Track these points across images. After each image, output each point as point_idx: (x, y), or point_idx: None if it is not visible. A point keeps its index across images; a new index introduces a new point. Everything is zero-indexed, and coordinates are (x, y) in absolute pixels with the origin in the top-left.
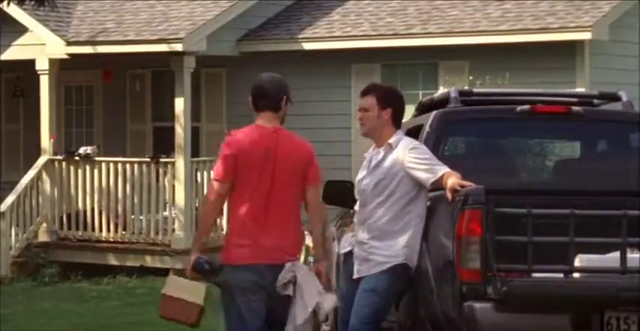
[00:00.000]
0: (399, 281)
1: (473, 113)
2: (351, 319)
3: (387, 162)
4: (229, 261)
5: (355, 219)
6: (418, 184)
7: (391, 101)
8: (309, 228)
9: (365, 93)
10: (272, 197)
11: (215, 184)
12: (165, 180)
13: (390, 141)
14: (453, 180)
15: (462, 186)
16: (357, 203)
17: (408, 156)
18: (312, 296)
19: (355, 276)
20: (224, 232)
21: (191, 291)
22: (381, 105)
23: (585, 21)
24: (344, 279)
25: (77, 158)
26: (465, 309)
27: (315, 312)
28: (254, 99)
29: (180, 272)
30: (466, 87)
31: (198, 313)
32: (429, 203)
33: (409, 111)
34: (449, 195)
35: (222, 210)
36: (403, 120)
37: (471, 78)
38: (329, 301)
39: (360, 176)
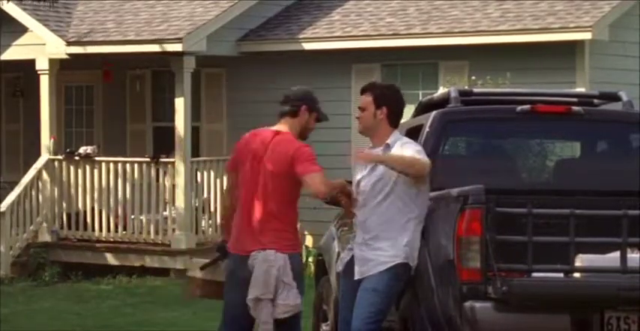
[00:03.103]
0: (400, 280)
1: (473, 113)
2: (352, 319)
3: None
4: None
5: (355, 220)
6: (417, 183)
7: (387, 100)
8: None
9: (363, 91)
10: (257, 193)
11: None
12: (165, 180)
13: (388, 141)
14: (388, 155)
15: (380, 162)
16: (357, 203)
17: (400, 151)
18: (253, 287)
19: (357, 277)
20: None
21: (195, 268)
22: (377, 104)
23: (585, 21)
24: (344, 279)
25: (77, 158)
26: (465, 309)
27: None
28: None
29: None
30: (466, 87)
31: (197, 285)
32: (429, 203)
33: (409, 111)
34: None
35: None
36: (403, 120)
37: (473, 78)
38: (292, 297)
39: (358, 177)
